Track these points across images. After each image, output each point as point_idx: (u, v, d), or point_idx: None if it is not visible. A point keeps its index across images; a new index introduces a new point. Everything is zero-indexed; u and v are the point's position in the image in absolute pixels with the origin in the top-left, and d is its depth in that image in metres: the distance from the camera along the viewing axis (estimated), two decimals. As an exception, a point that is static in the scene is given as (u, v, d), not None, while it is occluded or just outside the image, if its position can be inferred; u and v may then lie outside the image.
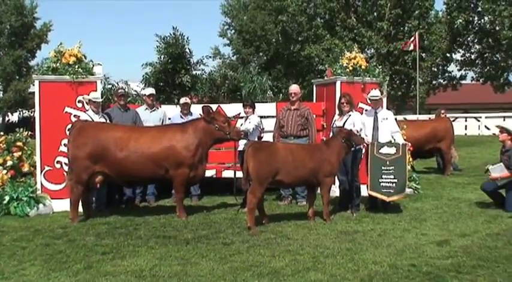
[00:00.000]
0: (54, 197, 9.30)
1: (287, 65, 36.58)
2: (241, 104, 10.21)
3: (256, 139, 9.21)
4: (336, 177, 9.08)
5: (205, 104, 9.69)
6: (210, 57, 18.72)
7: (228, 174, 10.36)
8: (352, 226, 7.96)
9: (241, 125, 9.44)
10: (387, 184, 8.80)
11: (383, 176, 8.81)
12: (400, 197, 8.98)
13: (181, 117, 10.10)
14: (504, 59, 34.24)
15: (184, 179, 8.63)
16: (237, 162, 9.50)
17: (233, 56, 41.13)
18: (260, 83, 12.81)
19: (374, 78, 10.72)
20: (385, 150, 8.90)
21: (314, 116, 10.06)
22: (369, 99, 9.43)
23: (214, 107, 9.78)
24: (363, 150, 9.09)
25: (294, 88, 9.96)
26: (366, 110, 9.92)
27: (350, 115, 8.99)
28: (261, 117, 9.74)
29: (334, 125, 9.11)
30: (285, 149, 8.08)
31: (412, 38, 26.56)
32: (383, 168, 8.81)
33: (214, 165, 10.38)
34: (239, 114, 10.36)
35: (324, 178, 8.16)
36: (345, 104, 9.03)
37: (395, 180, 8.78)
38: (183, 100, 10.30)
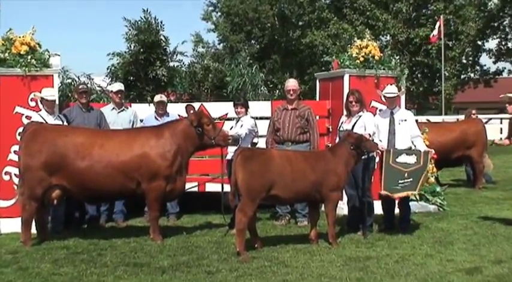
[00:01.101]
0: (3, 215, 9.30)
1: (284, 55, 36.69)
2: (228, 103, 10.26)
3: (249, 145, 9.24)
4: (344, 192, 9.13)
5: (188, 103, 9.71)
6: (186, 42, 18.76)
7: (212, 187, 10.38)
8: (363, 251, 8.00)
9: (231, 128, 9.45)
10: (400, 186, 8.81)
11: (399, 185, 8.81)
12: (408, 193, 8.98)
13: (155, 118, 10.11)
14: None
15: (160, 194, 8.65)
16: (225, 173, 9.53)
17: (219, 44, 41.27)
18: (251, 77, 12.85)
19: (390, 72, 10.80)
20: (403, 158, 8.87)
21: (317, 117, 10.12)
22: (384, 96, 9.48)
23: (196, 106, 9.81)
24: (377, 159, 9.15)
25: (292, 84, 10.02)
26: (380, 110, 9.99)
27: (360, 116, 9.04)
28: (254, 118, 9.77)
29: (342, 128, 9.17)
30: (282, 157, 8.11)
31: (438, 25, 26.54)
32: (400, 181, 8.82)
33: (196, 177, 10.41)
34: (226, 114, 10.40)
35: (329, 193, 8.18)
36: (354, 103, 9.08)
37: (411, 184, 8.81)
38: (157, 98, 10.32)
